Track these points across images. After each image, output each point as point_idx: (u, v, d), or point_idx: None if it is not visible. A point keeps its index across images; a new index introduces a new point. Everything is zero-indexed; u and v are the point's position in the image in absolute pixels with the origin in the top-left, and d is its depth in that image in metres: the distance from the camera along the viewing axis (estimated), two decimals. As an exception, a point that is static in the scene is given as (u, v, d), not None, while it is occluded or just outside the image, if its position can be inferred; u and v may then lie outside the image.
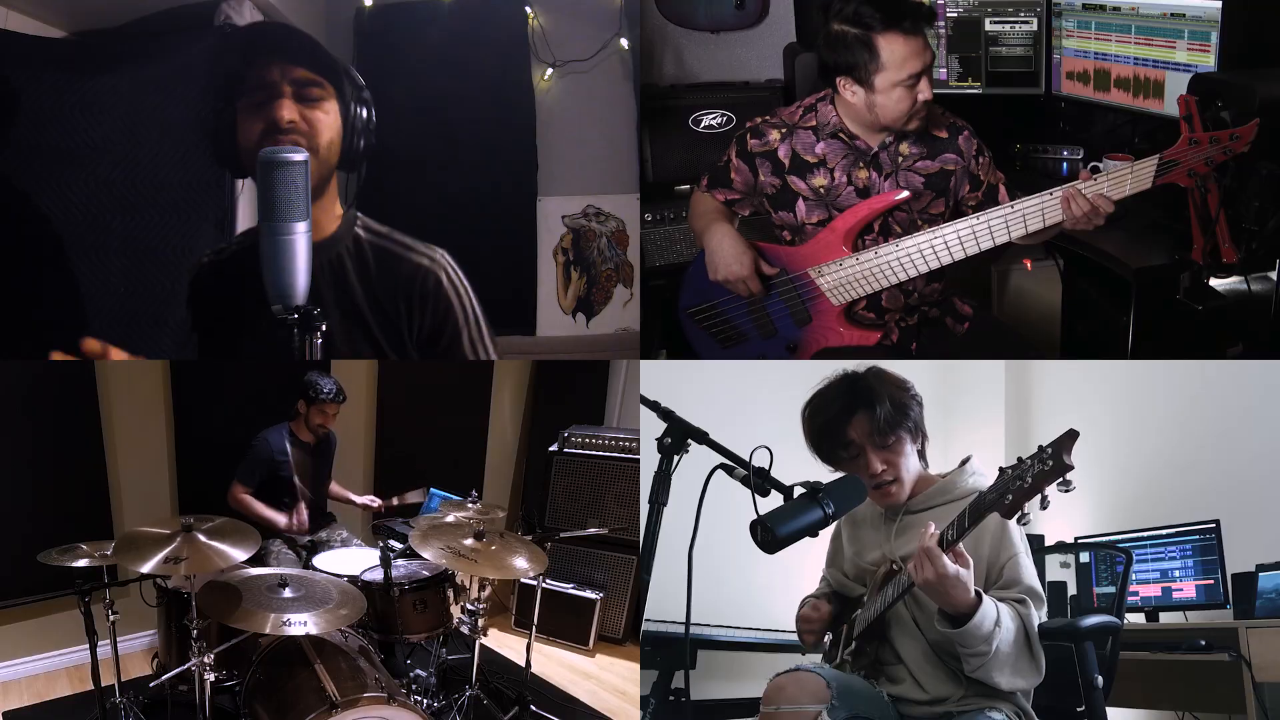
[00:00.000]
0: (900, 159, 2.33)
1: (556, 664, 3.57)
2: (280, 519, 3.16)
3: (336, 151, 1.87)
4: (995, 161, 2.44)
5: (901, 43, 2.13)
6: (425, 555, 2.51)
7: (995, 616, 1.60)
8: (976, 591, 1.59)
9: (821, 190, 2.34)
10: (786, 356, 2.49)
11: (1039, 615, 1.73)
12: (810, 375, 1.89)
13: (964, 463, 1.88)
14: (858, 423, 1.79)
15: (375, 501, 3.30)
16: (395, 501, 3.32)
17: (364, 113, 1.90)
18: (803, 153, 2.35)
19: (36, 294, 2.73)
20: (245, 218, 2.88)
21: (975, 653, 1.61)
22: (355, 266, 1.92)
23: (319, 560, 2.89)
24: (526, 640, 2.95)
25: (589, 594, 3.70)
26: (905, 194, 2.30)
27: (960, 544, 1.59)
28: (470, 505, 2.99)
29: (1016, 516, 1.54)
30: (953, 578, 1.56)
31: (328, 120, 1.85)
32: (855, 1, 2.15)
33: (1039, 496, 1.50)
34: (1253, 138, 2.05)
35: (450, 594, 2.74)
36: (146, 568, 2.14)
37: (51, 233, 2.73)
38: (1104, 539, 2.96)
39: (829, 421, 1.82)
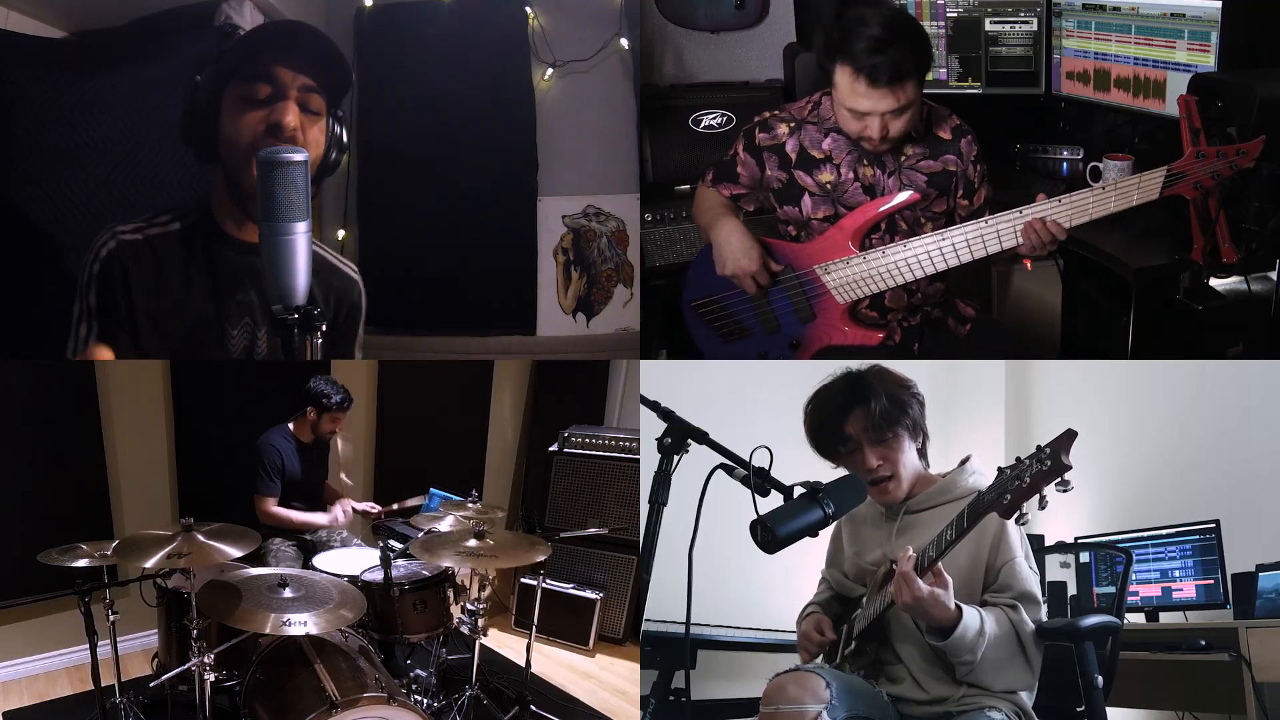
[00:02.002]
0: (903, 158, 2.33)
1: (556, 664, 3.57)
2: (321, 518, 3.18)
3: (314, 165, 1.86)
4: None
5: (848, 78, 2.13)
6: (440, 563, 2.52)
7: (978, 626, 1.63)
8: (957, 605, 1.62)
9: (828, 186, 2.35)
10: (789, 353, 2.49)
11: (1038, 616, 1.73)
12: (811, 375, 1.89)
13: (963, 462, 1.88)
14: (855, 418, 1.81)
15: (375, 508, 3.31)
16: (395, 506, 3.31)
17: (339, 130, 1.92)
18: (810, 148, 2.35)
19: (36, 294, 2.73)
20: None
21: (961, 661, 1.66)
22: None
23: (319, 560, 2.89)
24: (526, 640, 2.95)
25: (589, 594, 3.70)
26: (915, 196, 2.31)
27: (939, 563, 1.62)
28: (470, 505, 2.99)
29: (1015, 517, 1.54)
30: (929, 599, 1.60)
31: (317, 136, 1.85)
32: (848, 19, 2.15)
33: (1037, 496, 1.50)
34: (1259, 154, 2.05)
35: (450, 594, 2.74)
36: (149, 564, 2.15)
37: (53, 233, 2.73)
38: (1104, 539, 2.96)
39: (827, 417, 1.83)
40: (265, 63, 1.79)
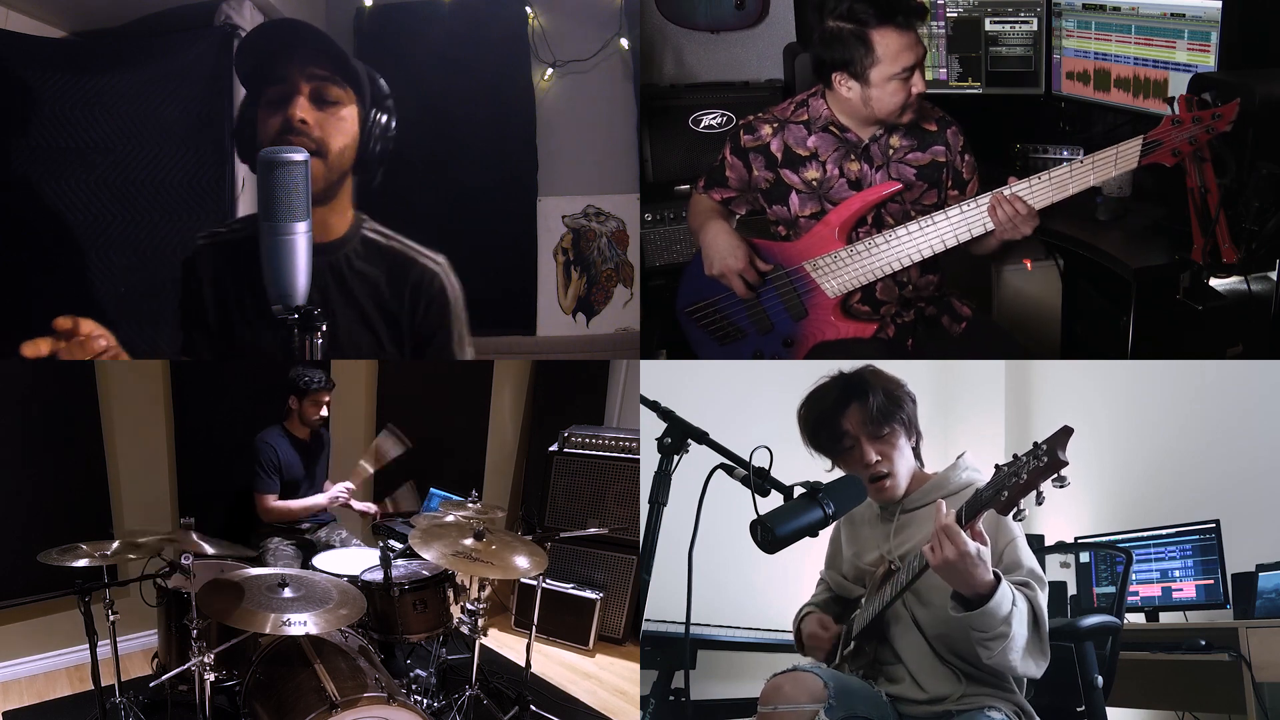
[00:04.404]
0: (891, 151, 2.35)
1: (556, 664, 3.57)
2: (321, 500, 3.19)
3: (351, 156, 1.88)
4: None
5: (895, 36, 2.18)
6: (426, 556, 2.51)
7: (1012, 597, 1.56)
8: (995, 572, 1.55)
9: (814, 183, 2.36)
10: (783, 351, 2.50)
11: (1042, 598, 1.72)
12: (810, 375, 1.90)
13: (957, 458, 1.88)
14: (852, 413, 1.80)
15: (372, 508, 3.30)
16: (389, 505, 3.30)
17: (384, 119, 1.91)
18: (794, 146, 2.37)
19: (38, 293, 2.73)
20: (245, 217, 2.88)
21: (994, 635, 1.55)
22: (362, 267, 1.94)
23: (319, 560, 2.89)
24: (526, 640, 2.95)
25: (589, 594, 3.70)
26: (897, 186, 2.33)
27: (978, 522, 1.54)
28: (470, 505, 2.99)
29: (1013, 513, 1.53)
30: (973, 556, 1.50)
31: (343, 125, 1.84)
32: None
33: (1035, 493, 1.50)
34: (1234, 117, 2.06)
35: (450, 594, 2.74)
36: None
37: (53, 232, 2.74)
38: (1104, 539, 2.96)
39: (824, 413, 1.83)
40: (272, 64, 1.80)
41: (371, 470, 3.30)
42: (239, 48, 1.93)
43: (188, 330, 1.95)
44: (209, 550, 2.34)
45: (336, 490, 3.23)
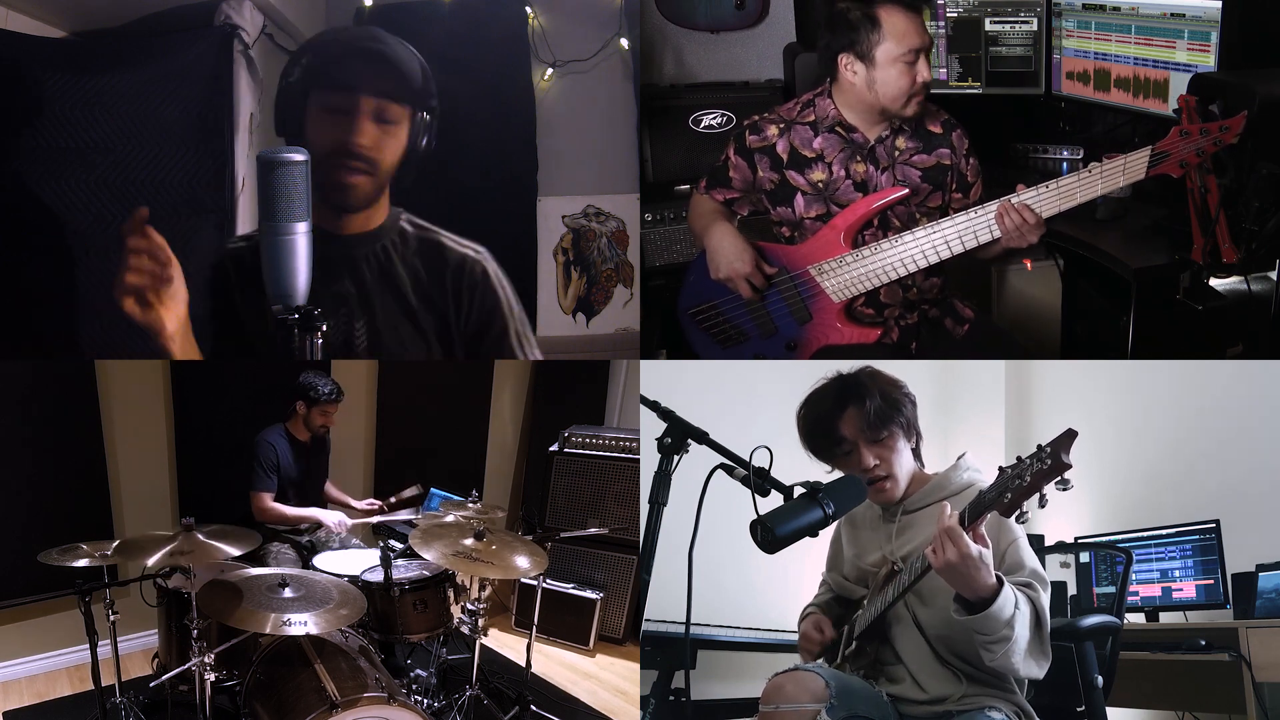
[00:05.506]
0: (897, 153, 2.35)
1: (556, 664, 3.57)
2: (318, 515, 3.16)
3: (397, 165, 1.92)
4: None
5: (902, 16, 2.21)
6: (426, 556, 2.51)
7: (1014, 600, 1.56)
8: (996, 575, 1.55)
9: (820, 185, 2.36)
10: (786, 355, 2.49)
11: (1045, 599, 1.72)
12: (810, 375, 1.89)
13: (958, 459, 1.88)
14: (849, 418, 1.79)
15: (375, 505, 3.31)
16: (394, 500, 3.31)
17: (427, 140, 1.94)
18: (801, 147, 2.37)
19: (37, 294, 2.73)
20: (246, 216, 2.88)
21: (997, 639, 1.55)
22: (401, 257, 1.96)
23: (319, 560, 2.89)
24: (526, 640, 2.95)
25: (589, 594, 3.70)
26: (904, 191, 2.32)
27: (980, 525, 1.53)
28: (470, 505, 2.99)
29: (1016, 515, 1.53)
30: (975, 559, 1.50)
31: (397, 142, 1.88)
32: None
33: (1037, 495, 1.50)
34: (1241, 129, 2.06)
35: (450, 594, 2.74)
36: (151, 561, 2.15)
37: (53, 233, 2.74)
38: (1104, 539, 2.96)
39: (821, 418, 1.82)
40: (344, 75, 1.83)
41: (383, 510, 3.31)
42: (324, 42, 1.92)
43: (219, 338, 1.92)
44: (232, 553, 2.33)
45: (338, 521, 3.20)
